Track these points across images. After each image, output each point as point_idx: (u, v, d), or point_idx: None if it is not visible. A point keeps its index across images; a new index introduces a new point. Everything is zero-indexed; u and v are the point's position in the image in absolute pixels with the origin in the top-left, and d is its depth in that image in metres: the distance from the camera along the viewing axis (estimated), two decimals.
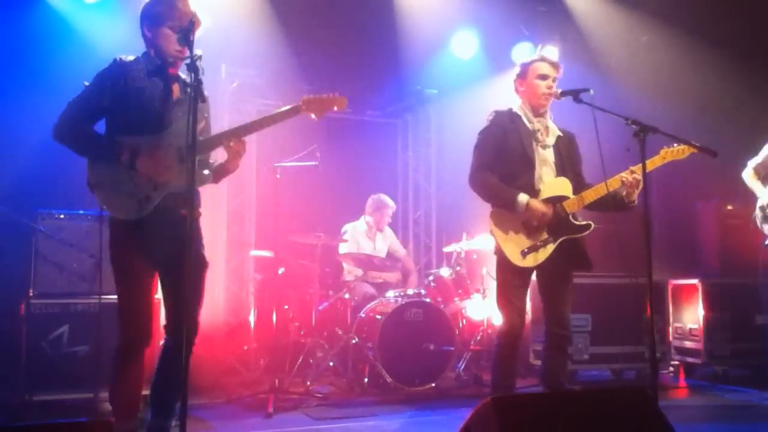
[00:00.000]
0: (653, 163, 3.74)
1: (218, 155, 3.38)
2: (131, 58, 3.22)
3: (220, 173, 3.34)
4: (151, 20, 3.19)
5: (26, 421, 4.18)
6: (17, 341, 4.42)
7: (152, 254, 3.17)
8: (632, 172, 3.68)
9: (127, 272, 3.16)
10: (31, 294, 4.47)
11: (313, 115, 3.35)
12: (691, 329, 5.97)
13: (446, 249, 6.63)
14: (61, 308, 4.48)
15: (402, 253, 6.94)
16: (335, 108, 3.40)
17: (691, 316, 5.99)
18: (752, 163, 5.39)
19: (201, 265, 3.24)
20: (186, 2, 3.20)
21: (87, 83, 3.16)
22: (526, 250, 3.73)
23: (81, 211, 4.66)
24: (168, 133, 3.15)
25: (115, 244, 3.17)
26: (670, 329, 6.05)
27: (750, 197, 5.41)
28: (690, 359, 6.01)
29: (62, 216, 4.64)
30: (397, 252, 6.85)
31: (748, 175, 5.38)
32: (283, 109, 3.29)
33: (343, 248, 6.35)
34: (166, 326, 3.25)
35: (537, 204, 3.71)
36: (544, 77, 3.84)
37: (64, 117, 3.13)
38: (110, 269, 3.19)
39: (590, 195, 3.76)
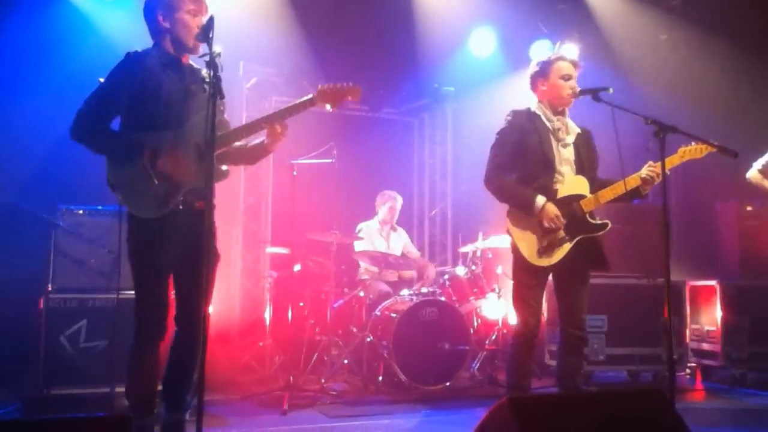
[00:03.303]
0: (671, 161, 3.69)
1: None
2: (142, 51, 3.19)
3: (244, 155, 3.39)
4: (165, 8, 3.16)
5: (44, 415, 4.21)
6: (36, 336, 4.46)
7: (169, 249, 3.17)
8: (650, 166, 3.66)
9: (144, 268, 3.15)
10: (49, 289, 4.52)
11: (328, 106, 3.27)
12: (708, 331, 5.91)
13: (462, 249, 6.61)
14: (80, 303, 4.52)
15: (415, 254, 6.89)
16: (349, 98, 3.29)
17: (708, 318, 5.93)
18: (757, 165, 5.40)
19: (214, 258, 3.23)
20: None
21: (101, 80, 3.14)
22: (542, 249, 3.70)
23: (100, 207, 4.69)
24: (187, 128, 3.14)
25: (133, 240, 3.17)
26: (688, 331, 5.98)
27: None
28: (707, 362, 5.95)
29: (81, 212, 4.68)
30: (411, 253, 6.81)
31: (754, 176, 5.38)
32: (298, 101, 3.25)
33: (358, 246, 6.35)
34: (176, 318, 3.25)
35: (551, 208, 3.67)
36: (567, 77, 3.80)
37: (81, 115, 3.11)
38: (128, 265, 3.18)
39: (607, 194, 3.71)
